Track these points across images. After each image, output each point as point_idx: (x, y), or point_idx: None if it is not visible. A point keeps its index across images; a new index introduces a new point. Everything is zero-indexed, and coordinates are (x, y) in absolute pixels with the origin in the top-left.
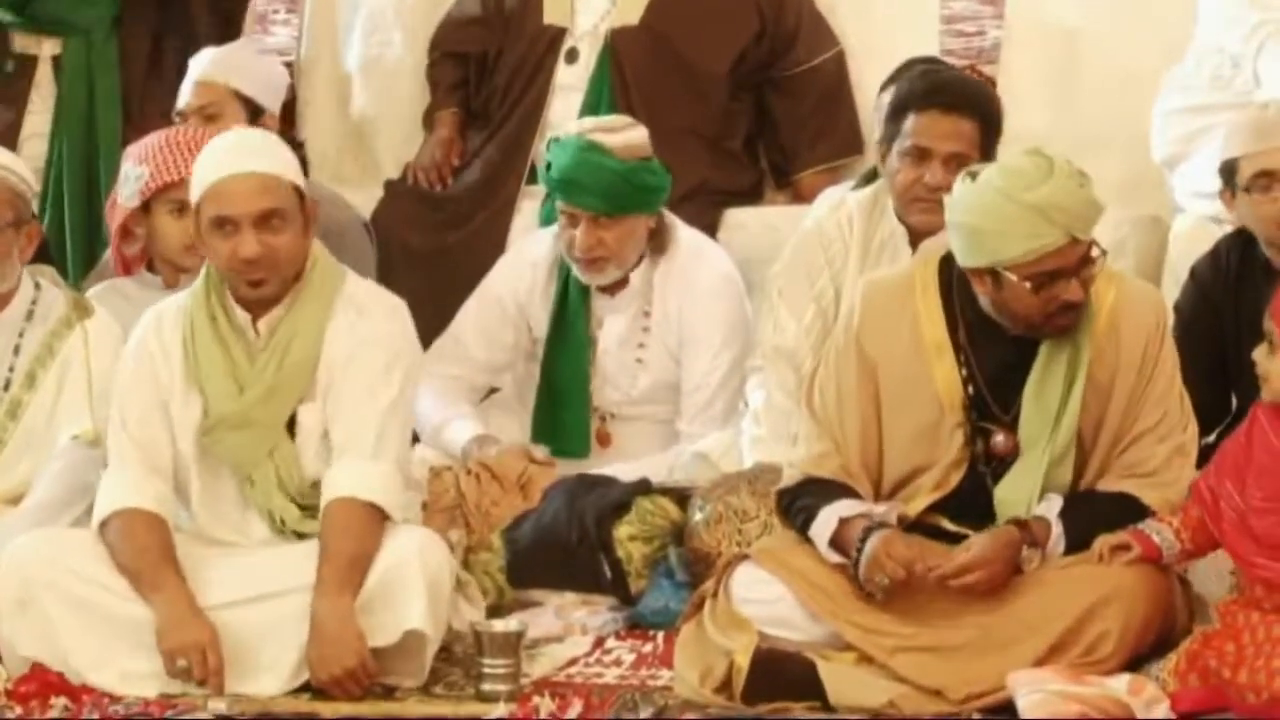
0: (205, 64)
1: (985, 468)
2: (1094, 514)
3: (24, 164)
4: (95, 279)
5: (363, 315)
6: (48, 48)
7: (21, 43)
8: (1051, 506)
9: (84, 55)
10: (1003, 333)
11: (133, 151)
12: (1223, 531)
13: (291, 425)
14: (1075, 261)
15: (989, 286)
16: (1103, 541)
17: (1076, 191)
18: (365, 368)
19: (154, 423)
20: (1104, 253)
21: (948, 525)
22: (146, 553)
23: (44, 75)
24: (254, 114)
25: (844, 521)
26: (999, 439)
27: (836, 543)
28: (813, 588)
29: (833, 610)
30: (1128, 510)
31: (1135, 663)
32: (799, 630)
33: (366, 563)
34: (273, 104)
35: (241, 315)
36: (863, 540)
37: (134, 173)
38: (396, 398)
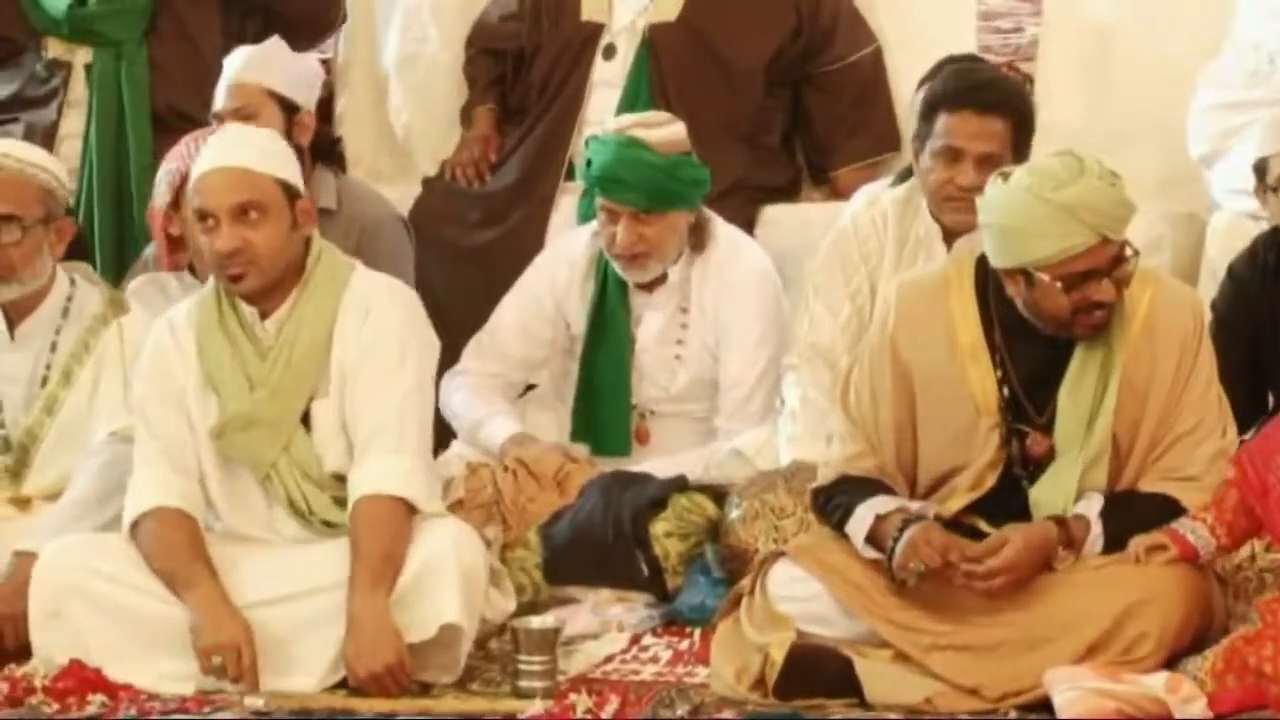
0: (239, 65)
1: (1021, 470)
2: (1134, 514)
3: (58, 162)
4: (131, 280)
5: (372, 309)
6: (80, 56)
7: (55, 49)
8: (1092, 505)
9: (114, 65)
10: (1037, 334)
11: (167, 155)
12: (1268, 510)
13: (307, 421)
14: (1107, 262)
15: (1021, 287)
16: (1137, 543)
17: (1107, 191)
18: (378, 363)
19: (175, 424)
20: (1136, 253)
21: (983, 526)
22: (177, 551)
23: (78, 79)
24: (290, 112)
25: (880, 518)
26: (1034, 441)
27: (872, 539)
28: (849, 585)
29: (869, 607)
30: (1168, 512)
31: (1173, 661)
32: (835, 627)
33: (399, 557)
34: (308, 101)
35: (249, 312)
36: (900, 531)
37: (163, 170)
38: (411, 388)
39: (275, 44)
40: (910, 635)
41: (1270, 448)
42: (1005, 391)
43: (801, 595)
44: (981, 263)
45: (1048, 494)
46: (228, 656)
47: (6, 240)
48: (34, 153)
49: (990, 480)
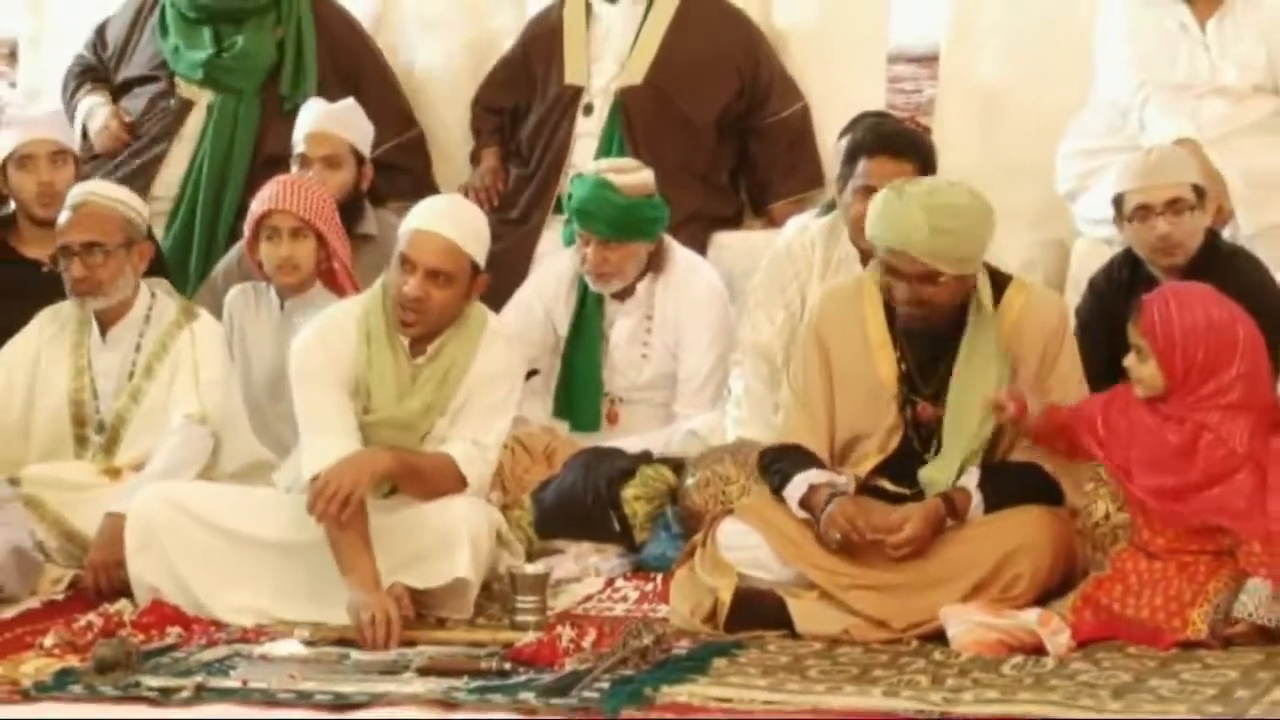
0: (321, 117)
1: (914, 433)
2: (1006, 481)
3: (135, 196)
4: (207, 291)
5: (496, 347)
6: (205, 98)
7: (185, 90)
8: (971, 479)
9: (233, 110)
10: (926, 328)
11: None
12: (1108, 460)
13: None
14: (912, 273)
15: (882, 269)
16: (987, 399)
17: (965, 225)
18: (494, 392)
19: (341, 397)
20: (955, 278)
21: (888, 486)
22: (347, 530)
23: (197, 118)
24: (360, 164)
25: (813, 487)
26: (923, 409)
27: (805, 502)
28: (783, 538)
29: (799, 556)
30: (1034, 476)
31: (1044, 599)
32: (772, 572)
33: (425, 481)
34: (367, 154)
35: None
36: (827, 503)
37: (250, 212)
38: (508, 423)
39: (353, 105)
40: (833, 577)
41: (1100, 433)
42: (903, 368)
43: (745, 546)
44: None
45: (936, 474)
46: (379, 631)
47: (93, 263)
48: (115, 190)
49: (893, 443)
